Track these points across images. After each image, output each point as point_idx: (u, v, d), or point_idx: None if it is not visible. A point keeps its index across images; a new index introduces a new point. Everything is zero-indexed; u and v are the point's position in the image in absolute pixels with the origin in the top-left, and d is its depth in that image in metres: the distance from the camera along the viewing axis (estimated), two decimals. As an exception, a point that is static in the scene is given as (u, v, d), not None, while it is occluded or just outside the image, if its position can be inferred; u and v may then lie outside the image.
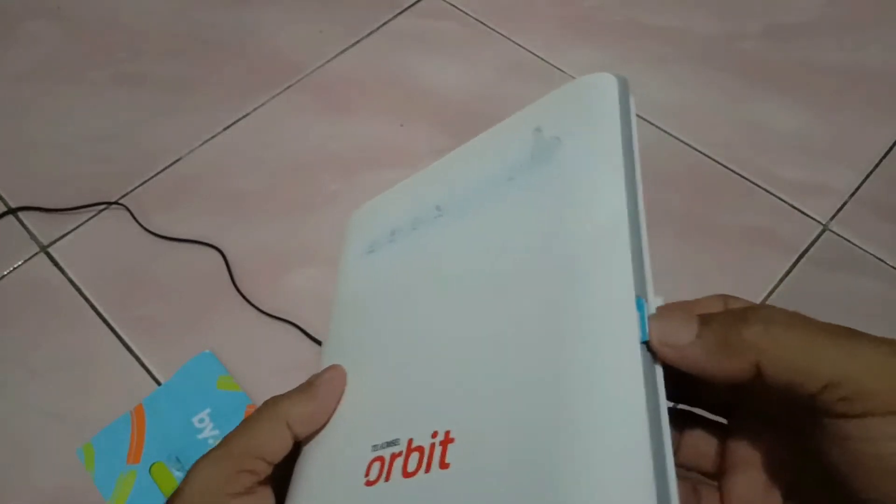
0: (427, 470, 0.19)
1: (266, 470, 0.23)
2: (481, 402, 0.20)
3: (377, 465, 0.21)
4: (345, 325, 0.28)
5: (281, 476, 0.24)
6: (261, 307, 0.51)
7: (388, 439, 0.21)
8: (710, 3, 0.69)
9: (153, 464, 0.45)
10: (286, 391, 0.24)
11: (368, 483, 0.21)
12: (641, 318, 0.19)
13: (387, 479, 0.20)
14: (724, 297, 0.22)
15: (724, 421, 0.23)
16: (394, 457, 0.21)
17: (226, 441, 0.23)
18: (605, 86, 0.23)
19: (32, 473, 0.45)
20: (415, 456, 0.20)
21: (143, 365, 0.49)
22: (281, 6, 0.70)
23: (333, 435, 0.24)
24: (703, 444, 0.23)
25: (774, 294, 0.52)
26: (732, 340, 0.18)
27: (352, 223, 0.33)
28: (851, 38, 0.67)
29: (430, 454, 0.20)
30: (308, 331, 0.50)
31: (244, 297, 0.52)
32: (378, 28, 0.68)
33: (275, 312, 0.51)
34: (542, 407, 0.18)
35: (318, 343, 0.49)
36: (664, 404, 0.18)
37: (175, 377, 0.48)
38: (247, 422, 0.23)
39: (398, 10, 0.69)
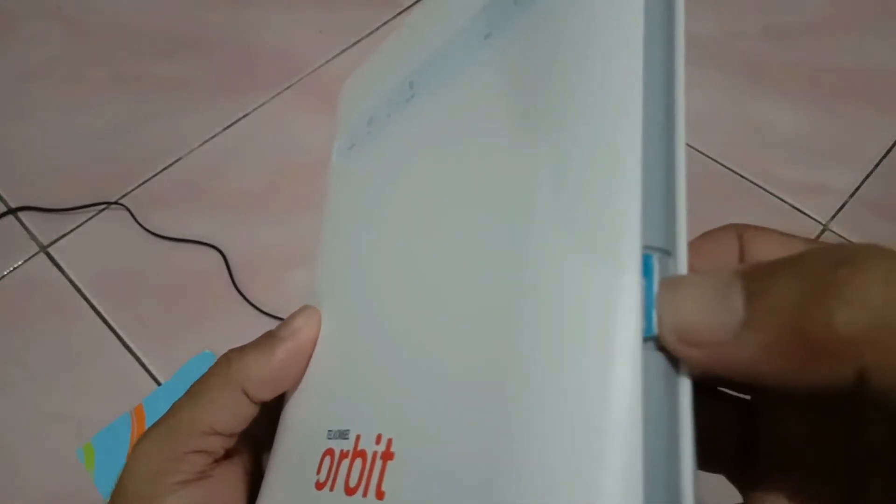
0: (365, 493, 0.16)
1: (224, 444, 0.19)
2: (422, 408, 0.15)
3: (327, 460, 0.17)
4: (326, 249, 0.22)
5: (261, 440, 0.20)
6: (261, 307, 0.51)
7: (342, 428, 0.17)
8: (710, 3, 0.69)
9: (153, 464, 0.45)
10: (245, 344, 0.20)
11: (318, 485, 0.17)
12: (648, 291, 0.11)
13: (331, 489, 0.17)
14: (740, 230, 0.14)
15: (744, 397, 0.16)
16: (342, 455, 0.17)
17: (171, 412, 0.19)
18: None
19: (33, 473, 0.45)
20: (358, 464, 0.16)
21: (143, 365, 0.49)
22: (281, 6, 0.70)
23: (302, 402, 0.20)
24: (714, 432, 0.15)
25: (774, 294, 0.52)
26: (815, 334, 0.10)
27: (341, 101, 0.25)
28: (851, 38, 0.66)
29: (371, 469, 0.16)
30: (308, 331, 0.50)
31: (244, 297, 0.52)
32: (378, 28, 0.68)
33: (275, 312, 0.51)
34: (483, 443, 0.13)
35: (318, 343, 0.49)
36: (688, 451, 0.11)
37: (175, 377, 0.48)
38: (195, 387, 0.19)
39: (398, 10, 0.69)
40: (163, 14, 0.69)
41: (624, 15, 0.13)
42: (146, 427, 0.46)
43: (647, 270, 0.11)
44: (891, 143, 0.60)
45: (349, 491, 0.16)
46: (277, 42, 0.67)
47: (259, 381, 0.19)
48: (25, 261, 0.54)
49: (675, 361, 0.11)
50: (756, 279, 0.11)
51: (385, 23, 0.68)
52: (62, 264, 0.54)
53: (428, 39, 0.20)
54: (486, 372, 0.13)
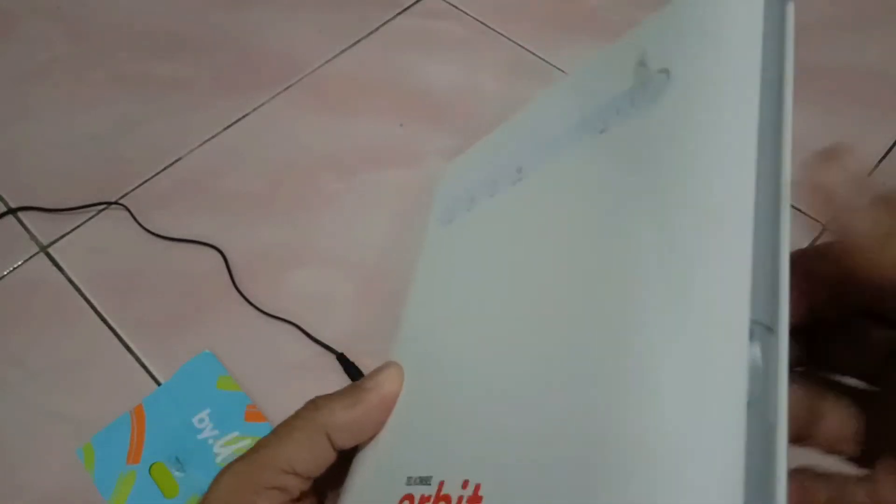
0: None
1: (300, 485, 0.20)
2: (518, 459, 0.16)
3: None
4: (415, 311, 0.24)
5: (334, 487, 0.21)
6: (261, 307, 0.51)
7: (423, 475, 0.18)
8: (710, 3, 0.69)
9: (153, 464, 0.45)
10: (331, 392, 0.21)
11: None
12: (752, 360, 0.13)
13: None
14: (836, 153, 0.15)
15: (871, 388, 0.17)
16: (423, 500, 0.18)
17: (255, 448, 0.20)
18: None
19: (32, 473, 0.45)
20: None
21: (143, 365, 0.49)
22: (281, 6, 0.70)
23: (379, 452, 0.21)
24: (839, 422, 0.17)
25: (774, 294, 0.52)
26: None
27: (440, 183, 0.27)
28: (851, 38, 0.66)
29: None
30: (308, 331, 0.50)
31: (244, 297, 0.52)
32: (378, 28, 0.68)
33: (275, 312, 0.51)
34: (587, 494, 0.13)
35: (319, 343, 0.49)
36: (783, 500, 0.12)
37: (175, 377, 0.48)
38: (281, 427, 0.20)
39: (398, 10, 0.69)
40: (163, 14, 0.69)
41: (738, 119, 0.14)
42: (146, 427, 0.47)
43: (756, 341, 0.13)
44: (891, 143, 0.60)
45: None
46: (277, 42, 0.67)
47: (342, 428, 0.20)
48: (25, 261, 0.54)
49: (772, 425, 0.12)
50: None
51: (385, 23, 0.68)
52: (62, 264, 0.54)
53: (537, 132, 0.21)
54: (586, 428, 0.14)
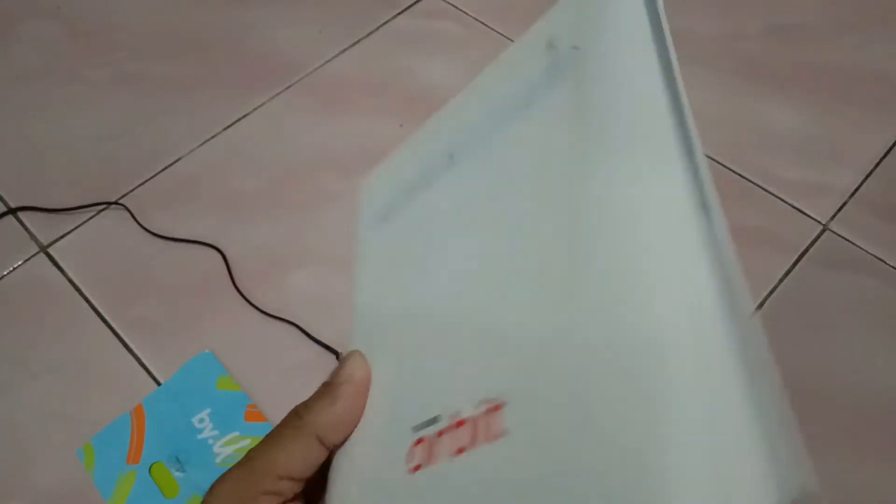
0: (476, 443, 0.17)
1: (294, 488, 0.21)
2: (527, 357, 0.17)
3: (420, 448, 0.19)
4: (366, 305, 0.25)
5: (314, 488, 0.22)
6: (261, 307, 0.51)
7: (427, 417, 0.19)
8: (710, 3, 0.69)
9: (153, 464, 0.45)
10: (308, 398, 0.22)
11: (414, 469, 0.19)
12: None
13: (434, 462, 0.18)
14: None
15: None
16: (440, 434, 0.19)
17: (249, 456, 0.21)
18: None
19: (32, 473, 0.45)
20: (463, 430, 0.18)
21: (143, 365, 0.49)
22: (281, 6, 0.70)
23: (366, 429, 0.22)
24: None
25: (774, 294, 0.52)
26: None
27: (363, 192, 0.29)
28: (851, 38, 0.66)
29: (480, 425, 0.17)
30: (308, 331, 0.50)
31: (244, 297, 0.52)
32: (378, 28, 0.68)
33: (275, 312, 0.51)
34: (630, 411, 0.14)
35: (318, 343, 0.49)
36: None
37: (175, 377, 0.48)
38: (271, 435, 0.21)
39: (398, 10, 0.69)
40: (163, 14, 0.69)
41: (644, 80, 0.17)
42: (146, 427, 0.47)
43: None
44: (891, 143, 0.60)
45: (458, 452, 0.18)
46: (277, 42, 0.67)
47: (329, 426, 0.21)
48: (25, 261, 0.54)
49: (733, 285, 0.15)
50: None
51: (385, 23, 0.68)
52: (62, 264, 0.54)
53: (460, 120, 0.23)
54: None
